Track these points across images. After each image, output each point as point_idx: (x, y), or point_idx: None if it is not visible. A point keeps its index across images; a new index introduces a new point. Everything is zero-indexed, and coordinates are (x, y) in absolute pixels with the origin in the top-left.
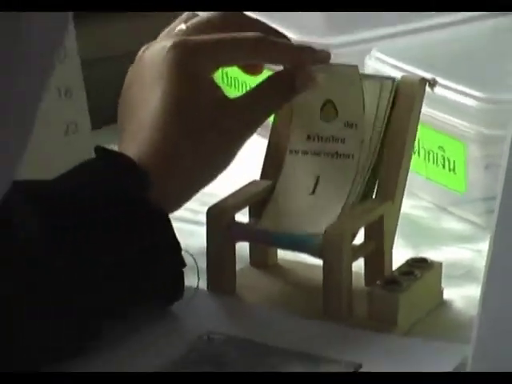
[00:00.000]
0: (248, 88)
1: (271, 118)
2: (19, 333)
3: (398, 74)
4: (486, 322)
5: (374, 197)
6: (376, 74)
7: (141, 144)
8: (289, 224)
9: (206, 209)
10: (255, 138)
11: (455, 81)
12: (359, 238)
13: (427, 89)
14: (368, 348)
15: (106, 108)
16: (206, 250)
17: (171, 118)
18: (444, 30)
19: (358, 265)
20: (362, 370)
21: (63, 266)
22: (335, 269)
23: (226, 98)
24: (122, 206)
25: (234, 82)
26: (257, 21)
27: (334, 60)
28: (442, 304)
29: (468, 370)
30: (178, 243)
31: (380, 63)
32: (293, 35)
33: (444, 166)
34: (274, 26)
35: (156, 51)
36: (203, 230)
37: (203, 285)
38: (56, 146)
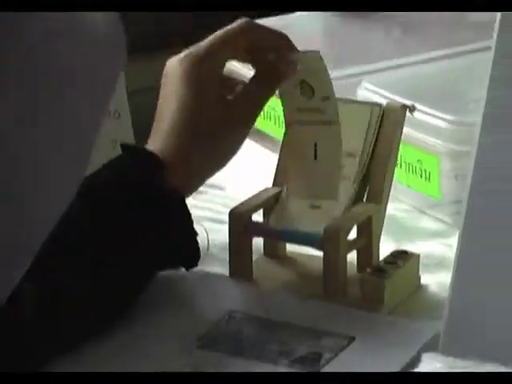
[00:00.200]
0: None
1: (281, 135)
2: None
3: (383, 101)
4: (455, 303)
5: (364, 200)
6: (366, 101)
7: (160, 141)
8: (295, 223)
9: (228, 211)
10: (267, 153)
11: (430, 106)
12: (352, 234)
13: (407, 113)
14: (360, 324)
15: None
16: (228, 243)
17: (185, 119)
18: (423, 65)
19: (352, 256)
20: (354, 342)
21: (110, 253)
22: (333, 259)
23: (227, 98)
24: (144, 189)
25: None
26: (268, 29)
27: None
28: (420, 288)
29: (440, 341)
30: (190, 218)
31: (369, 92)
32: None
33: (421, 176)
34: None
35: (172, 64)
36: (226, 228)
37: (226, 271)
38: (104, 160)
